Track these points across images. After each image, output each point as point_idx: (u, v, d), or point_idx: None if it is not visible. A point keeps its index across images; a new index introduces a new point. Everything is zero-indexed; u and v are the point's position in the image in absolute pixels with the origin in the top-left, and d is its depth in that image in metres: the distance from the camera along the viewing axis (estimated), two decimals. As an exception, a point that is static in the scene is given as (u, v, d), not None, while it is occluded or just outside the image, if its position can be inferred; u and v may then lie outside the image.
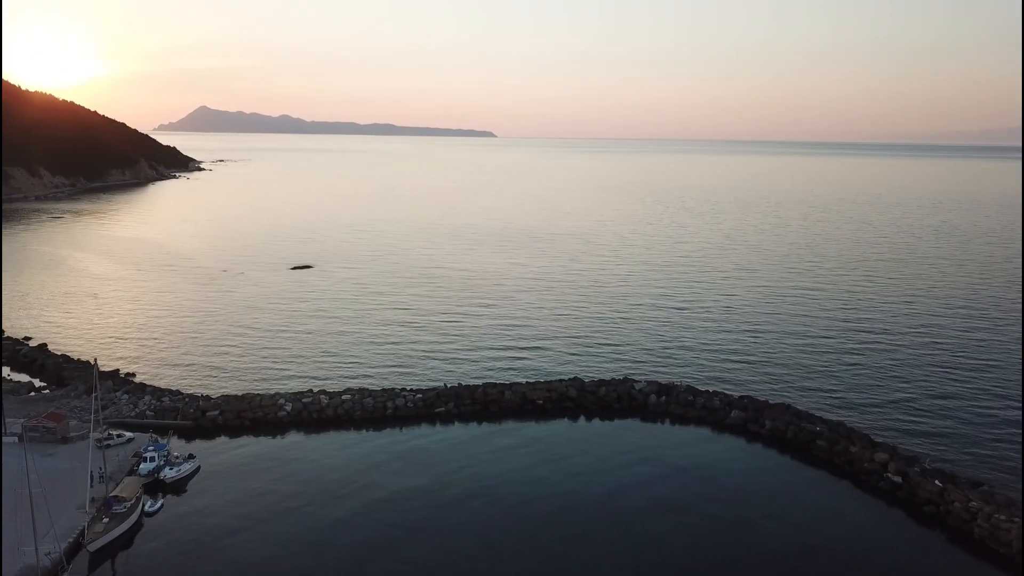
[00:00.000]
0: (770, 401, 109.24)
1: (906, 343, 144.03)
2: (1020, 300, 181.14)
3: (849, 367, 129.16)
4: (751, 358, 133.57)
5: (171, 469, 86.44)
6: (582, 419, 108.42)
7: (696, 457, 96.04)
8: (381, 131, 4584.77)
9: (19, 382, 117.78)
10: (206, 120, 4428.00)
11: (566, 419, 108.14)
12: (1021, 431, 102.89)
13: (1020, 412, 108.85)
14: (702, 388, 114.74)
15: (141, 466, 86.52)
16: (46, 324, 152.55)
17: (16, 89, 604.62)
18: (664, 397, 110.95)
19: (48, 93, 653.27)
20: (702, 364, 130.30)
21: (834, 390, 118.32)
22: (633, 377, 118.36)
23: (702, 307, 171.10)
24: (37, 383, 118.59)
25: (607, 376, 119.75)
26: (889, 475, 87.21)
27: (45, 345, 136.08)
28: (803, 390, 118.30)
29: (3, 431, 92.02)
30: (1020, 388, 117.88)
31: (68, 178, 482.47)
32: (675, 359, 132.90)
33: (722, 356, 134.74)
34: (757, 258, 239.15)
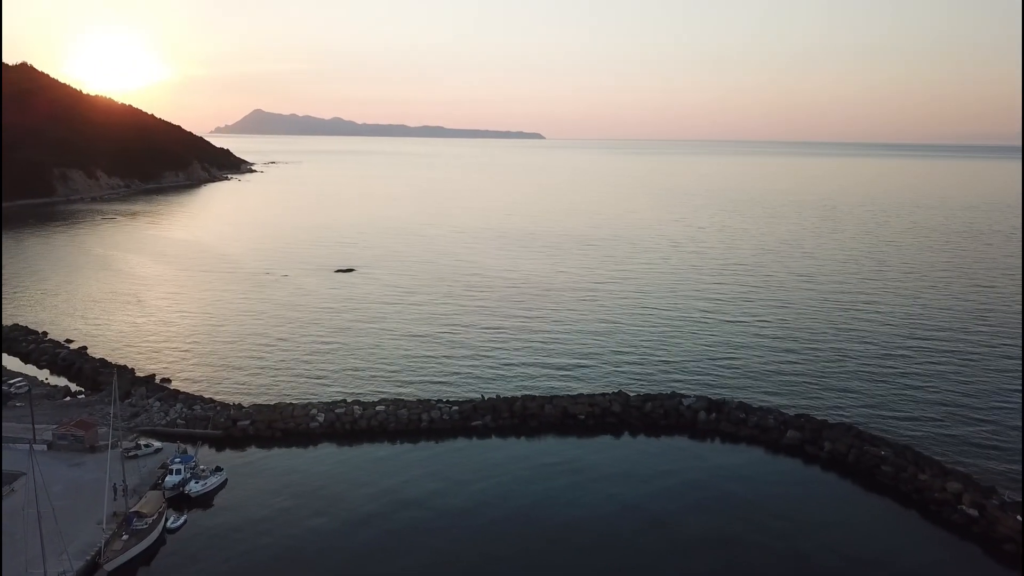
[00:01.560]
0: (829, 420, 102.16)
1: (981, 362, 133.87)
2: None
3: (917, 386, 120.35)
4: (809, 373, 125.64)
5: (197, 483, 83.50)
6: (626, 436, 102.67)
7: (748, 481, 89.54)
8: (431, 133, 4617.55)
9: (56, 386, 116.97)
10: (261, 122, 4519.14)
11: (609, 436, 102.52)
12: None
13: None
14: (755, 405, 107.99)
15: (166, 479, 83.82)
16: (89, 327, 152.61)
17: (77, 93, 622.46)
18: (714, 414, 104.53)
19: (108, 97, 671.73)
20: (755, 379, 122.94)
21: (900, 410, 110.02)
22: (681, 392, 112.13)
23: (756, 318, 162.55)
24: (74, 387, 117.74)
25: (653, 390, 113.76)
26: (963, 507, 79.57)
27: (85, 348, 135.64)
28: (866, 409, 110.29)
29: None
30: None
31: (124, 179, 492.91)
32: (726, 373, 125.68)
33: (777, 371, 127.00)
34: (814, 265, 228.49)
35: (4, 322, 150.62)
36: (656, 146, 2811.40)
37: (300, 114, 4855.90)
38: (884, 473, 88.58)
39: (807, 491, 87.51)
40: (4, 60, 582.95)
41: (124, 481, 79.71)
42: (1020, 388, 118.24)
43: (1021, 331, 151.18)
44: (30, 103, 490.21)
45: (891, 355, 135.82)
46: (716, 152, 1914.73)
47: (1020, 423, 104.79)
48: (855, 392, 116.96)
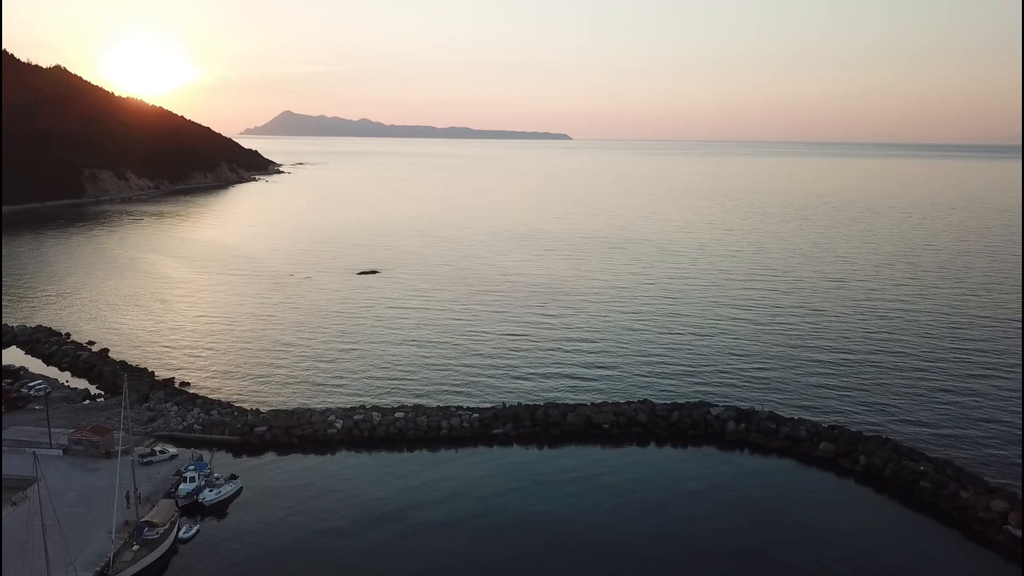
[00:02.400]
0: (865, 432, 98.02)
1: None
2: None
3: (959, 396, 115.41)
4: (842, 383, 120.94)
5: (211, 491, 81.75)
6: (652, 446, 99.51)
7: (779, 495, 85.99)
8: (458, 134, 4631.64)
9: (75, 389, 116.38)
10: (290, 124, 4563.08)
11: (634, 446, 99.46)
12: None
13: None
14: (786, 415, 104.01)
15: (180, 487, 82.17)
16: (112, 329, 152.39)
17: (109, 95, 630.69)
18: (744, 424, 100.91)
19: (139, 99, 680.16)
20: (786, 388, 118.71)
21: (940, 423, 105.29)
22: (709, 401, 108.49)
23: (786, 324, 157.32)
24: (93, 390, 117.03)
25: (680, 399, 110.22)
26: (1009, 528, 75.38)
27: (107, 351, 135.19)
28: (903, 422, 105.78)
29: None
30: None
31: (153, 180, 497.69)
32: (756, 382, 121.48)
33: (809, 380, 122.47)
34: (848, 269, 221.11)
35: (28, 323, 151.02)
36: (684, 147, 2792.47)
37: (328, 115, 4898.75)
38: (923, 489, 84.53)
39: (841, 506, 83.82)
40: (39, 63, 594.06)
41: (137, 489, 78.16)
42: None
43: None
44: (62, 106, 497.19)
45: (930, 365, 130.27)
46: (744, 153, 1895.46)
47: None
48: (891, 403, 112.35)
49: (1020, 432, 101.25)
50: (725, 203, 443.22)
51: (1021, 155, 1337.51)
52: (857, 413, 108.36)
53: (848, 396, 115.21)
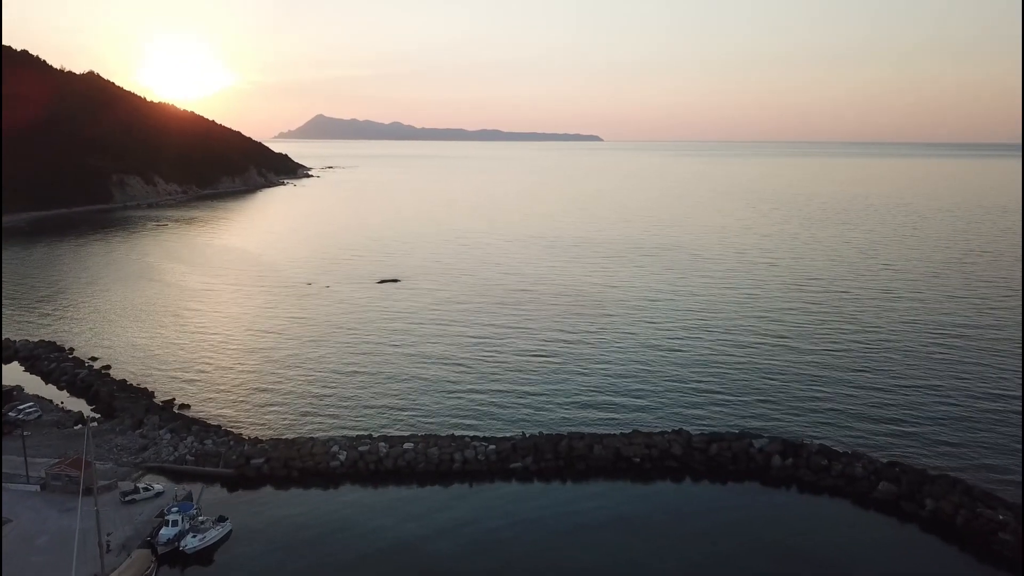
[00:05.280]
0: (930, 471, 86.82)
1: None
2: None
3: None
4: (904, 412, 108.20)
5: (195, 536, 73.46)
6: (688, 482, 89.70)
7: (832, 542, 76.37)
8: (488, 137, 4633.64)
9: (69, 411, 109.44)
10: (323, 128, 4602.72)
11: (668, 481, 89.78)
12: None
13: None
14: (839, 449, 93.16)
15: (161, 531, 73.92)
16: (118, 342, 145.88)
17: (141, 100, 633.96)
18: (791, 459, 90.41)
19: (171, 104, 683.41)
20: (839, 418, 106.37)
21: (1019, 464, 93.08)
22: (752, 432, 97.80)
23: (838, 343, 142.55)
24: (87, 412, 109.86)
25: (720, 429, 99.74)
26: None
27: (108, 368, 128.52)
28: (975, 459, 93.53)
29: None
30: None
31: (181, 185, 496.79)
32: (804, 410, 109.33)
33: (865, 408, 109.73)
34: (900, 280, 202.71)
35: (32, 337, 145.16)
36: (717, 148, 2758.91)
37: (360, 119, 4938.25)
38: (1002, 542, 73.57)
39: (903, 558, 73.95)
40: (72, 69, 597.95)
41: (109, 535, 70.05)
42: None
43: None
44: (93, 112, 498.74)
45: (1003, 394, 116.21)
46: (780, 153, 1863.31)
47: None
48: (961, 438, 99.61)
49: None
50: (761, 206, 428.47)
51: (1022, 154, 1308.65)
52: (921, 448, 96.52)
53: (911, 428, 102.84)
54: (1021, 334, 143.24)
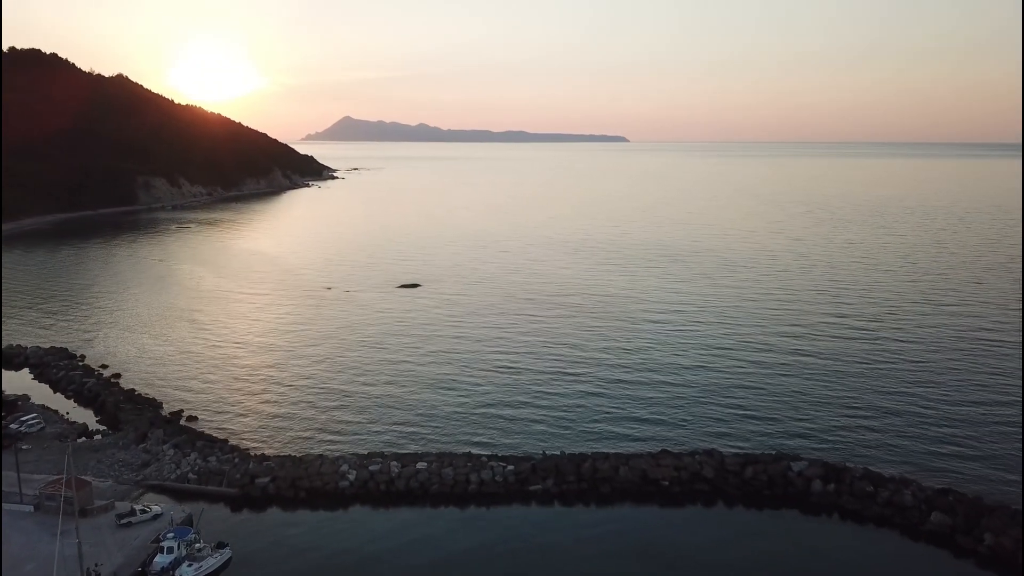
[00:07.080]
0: (988, 501, 79.39)
1: None
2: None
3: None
4: (958, 433, 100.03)
5: (190, 566, 68.55)
6: (720, 507, 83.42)
7: (879, 578, 69.11)
8: (514, 138, 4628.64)
9: (73, 423, 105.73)
10: (349, 129, 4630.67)
11: (699, 506, 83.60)
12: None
13: None
14: (886, 474, 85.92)
15: (155, 559, 69.19)
16: (130, 349, 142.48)
17: (168, 103, 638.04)
18: (832, 485, 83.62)
19: (199, 106, 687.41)
20: (887, 439, 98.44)
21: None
22: (790, 453, 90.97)
23: (883, 357, 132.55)
24: (92, 424, 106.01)
25: (755, 450, 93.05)
26: None
27: (117, 376, 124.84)
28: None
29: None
30: None
31: (206, 187, 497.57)
32: (847, 430, 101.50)
33: (915, 429, 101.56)
34: (953, 292, 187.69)
35: (45, 343, 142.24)
36: (745, 148, 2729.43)
37: (387, 121, 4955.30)
38: (1073, 584, 66.24)
39: (962, 600, 66.59)
40: (101, 72, 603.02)
41: (97, 566, 65.44)
42: None
43: None
44: (120, 114, 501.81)
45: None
46: (808, 154, 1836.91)
47: None
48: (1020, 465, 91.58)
49: None
50: (791, 208, 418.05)
51: (1022, 154, 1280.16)
52: (978, 475, 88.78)
53: (967, 453, 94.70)
54: None
